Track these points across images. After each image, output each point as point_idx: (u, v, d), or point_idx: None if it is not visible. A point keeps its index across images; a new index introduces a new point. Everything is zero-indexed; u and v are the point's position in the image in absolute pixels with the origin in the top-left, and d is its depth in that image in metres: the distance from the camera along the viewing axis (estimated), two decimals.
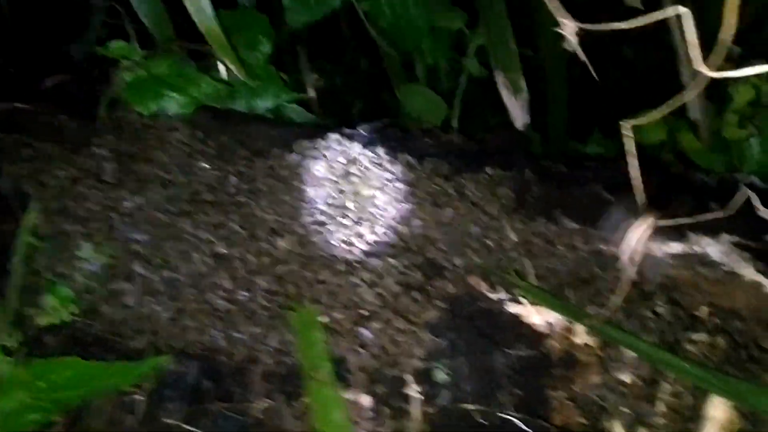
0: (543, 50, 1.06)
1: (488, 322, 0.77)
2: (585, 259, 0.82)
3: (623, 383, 0.77)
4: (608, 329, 0.75)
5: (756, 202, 0.68)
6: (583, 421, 0.75)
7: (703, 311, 0.82)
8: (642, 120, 0.59)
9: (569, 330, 0.77)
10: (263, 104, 0.94)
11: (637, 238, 0.67)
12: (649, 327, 0.80)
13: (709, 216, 0.66)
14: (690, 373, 0.74)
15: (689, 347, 0.80)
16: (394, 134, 0.89)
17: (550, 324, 0.76)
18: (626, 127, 0.61)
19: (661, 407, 0.77)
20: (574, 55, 0.59)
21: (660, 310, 0.81)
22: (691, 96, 0.54)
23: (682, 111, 1.18)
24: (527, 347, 0.76)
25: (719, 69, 0.53)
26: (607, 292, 0.80)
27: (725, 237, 0.83)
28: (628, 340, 0.74)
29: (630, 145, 0.62)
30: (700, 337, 0.80)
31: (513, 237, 0.81)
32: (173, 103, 0.83)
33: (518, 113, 1.03)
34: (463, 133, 0.98)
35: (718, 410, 0.78)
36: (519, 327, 0.77)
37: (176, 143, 0.81)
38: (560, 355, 0.76)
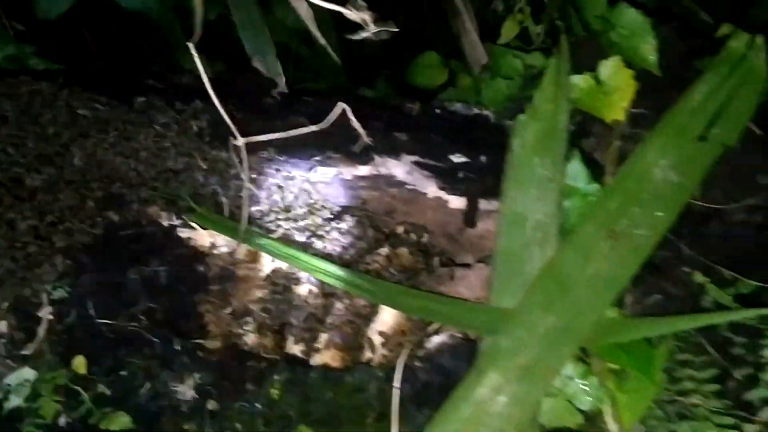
0: None
1: (143, 245, 0.80)
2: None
3: (296, 296, 0.82)
4: (271, 246, 0.79)
5: (349, 114, 0.73)
6: (244, 333, 0.80)
7: (392, 228, 0.87)
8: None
9: (238, 251, 0.81)
10: None
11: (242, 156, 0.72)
12: (340, 245, 0.85)
13: (301, 131, 0.70)
14: (348, 282, 0.79)
15: (373, 261, 0.85)
16: (113, 76, 0.92)
17: (215, 245, 0.81)
18: (192, 46, 0.65)
19: (335, 317, 0.82)
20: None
21: (349, 228, 0.86)
22: None
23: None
24: (181, 266, 0.79)
25: None
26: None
27: (407, 157, 0.88)
28: (282, 252, 0.79)
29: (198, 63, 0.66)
30: (384, 251, 0.85)
31: (203, 165, 0.85)
32: None
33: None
34: None
35: (388, 315, 0.83)
36: (179, 248, 0.80)
37: None
38: (220, 272, 0.80)
